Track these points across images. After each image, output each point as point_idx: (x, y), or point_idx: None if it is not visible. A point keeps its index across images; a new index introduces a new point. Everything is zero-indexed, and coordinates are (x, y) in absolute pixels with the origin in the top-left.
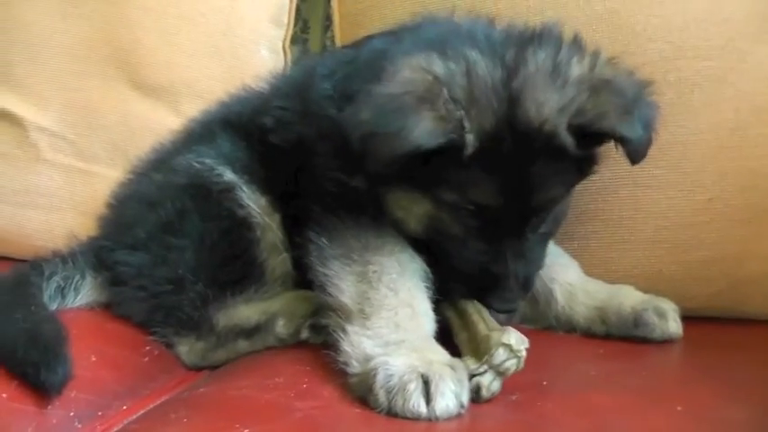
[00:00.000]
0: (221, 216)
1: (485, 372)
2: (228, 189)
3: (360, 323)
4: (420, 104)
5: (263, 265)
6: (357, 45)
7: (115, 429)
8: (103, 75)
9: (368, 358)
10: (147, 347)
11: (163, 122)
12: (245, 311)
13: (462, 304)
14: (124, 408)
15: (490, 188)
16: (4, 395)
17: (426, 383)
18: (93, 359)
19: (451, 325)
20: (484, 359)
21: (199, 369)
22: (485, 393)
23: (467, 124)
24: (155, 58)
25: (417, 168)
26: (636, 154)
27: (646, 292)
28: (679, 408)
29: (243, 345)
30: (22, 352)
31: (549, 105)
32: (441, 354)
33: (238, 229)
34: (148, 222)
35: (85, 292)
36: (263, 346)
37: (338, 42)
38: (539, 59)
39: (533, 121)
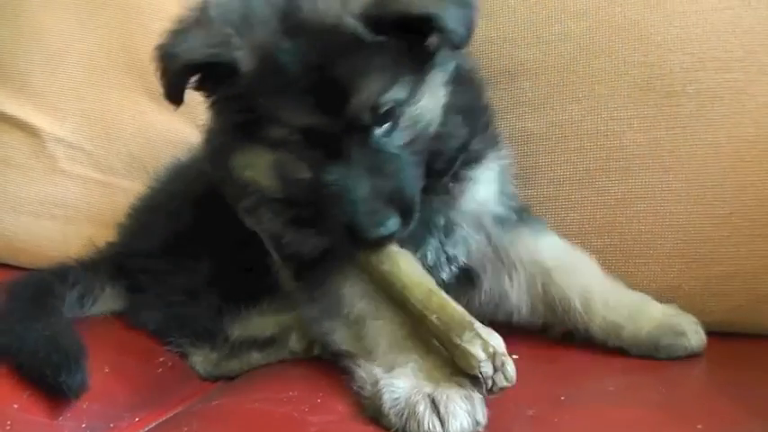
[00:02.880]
0: (237, 227)
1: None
2: None
3: (367, 358)
4: (194, 27)
5: (276, 277)
6: None
7: None
8: (121, 85)
9: (375, 382)
10: (161, 358)
11: (180, 134)
12: (259, 323)
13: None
14: (137, 419)
15: (302, 104)
16: (15, 406)
17: (434, 403)
18: (107, 370)
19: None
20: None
21: (213, 379)
22: (499, 381)
23: (237, 41)
24: None
25: (243, 114)
26: (455, 36)
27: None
28: (699, 426)
29: (256, 357)
30: (42, 354)
31: (326, 3)
32: (448, 370)
33: (253, 240)
34: (165, 232)
35: (102, 302)
36: (276, 359)
37: None
38: None
39: (313, 20)
